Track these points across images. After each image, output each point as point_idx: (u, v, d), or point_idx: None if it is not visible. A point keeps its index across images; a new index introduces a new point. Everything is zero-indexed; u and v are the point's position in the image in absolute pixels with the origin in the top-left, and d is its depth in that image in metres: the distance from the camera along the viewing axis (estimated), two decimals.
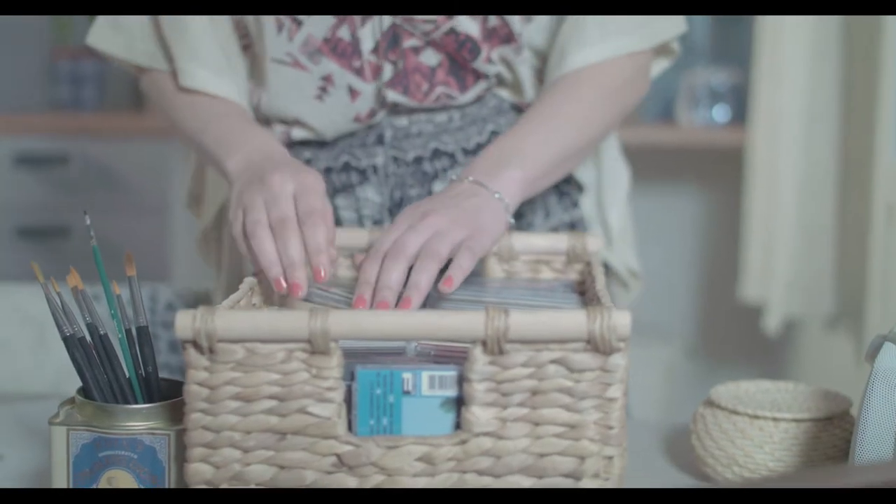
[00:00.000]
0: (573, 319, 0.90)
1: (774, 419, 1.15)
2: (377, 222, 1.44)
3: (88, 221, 1.07)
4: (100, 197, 3.17)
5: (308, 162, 1.46)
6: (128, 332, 1.05)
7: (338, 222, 1.44)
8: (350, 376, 0.94)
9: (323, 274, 1.13)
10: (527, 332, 0.90)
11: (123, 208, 3.16)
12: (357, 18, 1.35)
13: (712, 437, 1.17)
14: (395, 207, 1.43)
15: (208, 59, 1.38)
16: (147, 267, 1.96)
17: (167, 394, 1.05)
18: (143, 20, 1.41)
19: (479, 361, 0.91)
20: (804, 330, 2.94)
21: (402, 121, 1.41)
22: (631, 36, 1.37)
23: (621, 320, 0.90)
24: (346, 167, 1.44)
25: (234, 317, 0.92)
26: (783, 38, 2.65)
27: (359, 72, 1.37)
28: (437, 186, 1.43)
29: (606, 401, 0.92)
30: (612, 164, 1.53)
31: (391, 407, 0.94)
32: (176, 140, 3.12)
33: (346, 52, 1.37)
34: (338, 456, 0.93)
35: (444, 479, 0.93)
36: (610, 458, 0.93)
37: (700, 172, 3.21)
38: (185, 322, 0.92)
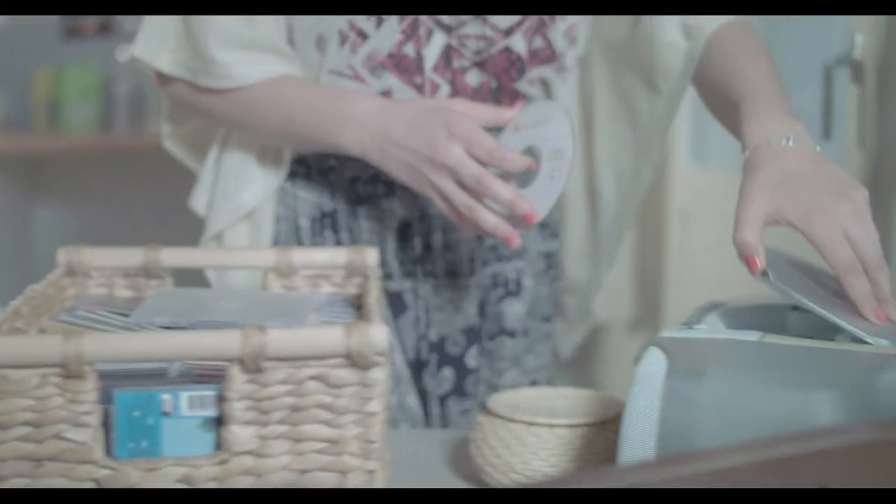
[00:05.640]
0: (330, 335, 0.90)
1: (550, 425, 1.17)
2: (401, 236, 1.47)
3: None
4: None
5: (332, 169, 1.47)
6: None
7: (359, 232, 1.48)
8: (109, 399, 0.93)
9: (535, 214, 1.27)
10: (284, 349, 0.90)
11: None
12: (423, 36, 1.37)
13: (490, 445, 1.18)
14: (416, 222, 1.46)
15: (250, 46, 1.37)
16: None
17: None
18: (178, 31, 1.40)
19: (237, 380, 0.91)
20: (609, 335, 2.99)
21: None
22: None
23: (378, 335, 0.90)
24: (374, 179, 1.45)
25: None
26: None
27: (419, 88, 1.38)
28: None
29: (367, 415, 0.92)
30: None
31: (150, 429, 0.93)
32: None
33: (409, 69, 1.38)
34: (96, 481, 0.91)
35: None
36: (372, 472, 0.93)
37: None
38: None
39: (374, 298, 1.11)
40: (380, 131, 1.31)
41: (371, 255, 1.26)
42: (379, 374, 0.92)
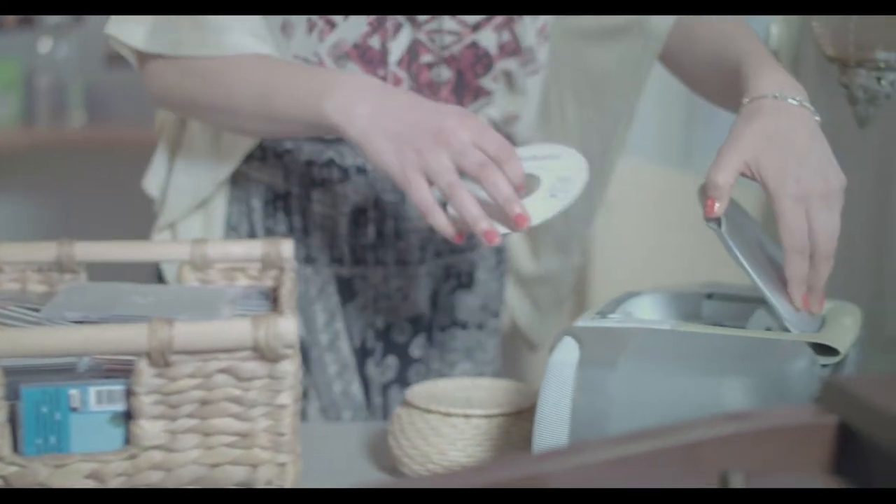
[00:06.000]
0: (238, 328, 0.90)
1: (466, 416, 1.17)
2: (354, 221, 1.45)
3: None
4: None
5: (288, 152, 1.44)
6: None
7: (312, 216, 1.45)
8: (15, 395, 0.92)
9: (526, 219, 1.16)
10: (192, 343, 0.89)
11: None
12: (390, 29, 1.35)
13: (407, 437, 1.18)
14: (370, 208, 1.45)
15: (241, 27, 1.31)
16: None
17: None
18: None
19: (145, 374, 0.90)
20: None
21: None
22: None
23: (287, 327, 0.90)
24: (329, 163, 1.43)
25: None
26: None
27: (382, 81, 1.35)
28: None
29: (277, 408, 0.92)
30: None
31: (58, 424, 0.92)
32: None
33: (373, 60, 1.36)
34: (3, 478, 0.90)
35: None
36: (283, 464, 0.93)
37: None
38: None
39: (288, 291, 1.10)
40: (377, 100, 1.23)
41: (286, 248, 1.25)
42: (288, 367, 0.91)
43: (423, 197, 1.19)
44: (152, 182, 1.50)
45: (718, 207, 1.09)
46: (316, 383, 1.47)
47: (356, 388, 1.49)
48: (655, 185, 2.48)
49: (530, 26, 1.41)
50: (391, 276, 1.48)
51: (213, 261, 1.25)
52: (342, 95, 1.23)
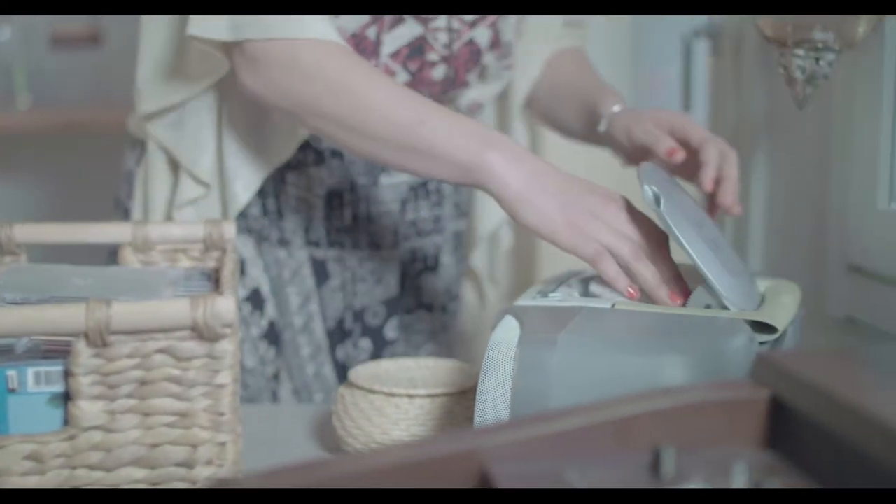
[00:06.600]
0: (176, 308, 0.90)
1: (409, 396, 1.18)
2: (328, 204, 1.46)
3: None
4: None
5: None
6: None
7: (286, 199, 1.46)
8: None
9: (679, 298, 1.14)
10: (129, 323, 0.89)
11: None
12: (386, 21, 1.34)
13: (351, 417, 1.19)
14: (346, 192, 1.46)
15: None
16: None
17: None
18: None
19: (83, 354, 0.90)
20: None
21: None
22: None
23: (225, 307, 0.90)
24: (305, 146, 1.43)
25: None
26: None
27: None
28: (384, 179, 1.47)
29: (216, 387, 0.92)
30: None
31: None
32: None
33: (366, 51, 1.35)
34: None
35: (54, 477, 0.91)
36: (223, 444, 0.93)
37: None
38: None
39: (230, 272, 1.10)
40: (535, 163, 1.18)
41: (228, 229, 1.25)
42: (227, 346, 0.91)
43: (597, 251, 1.15)
44: (204, 167, 1.43)
45: (680, 155, 1.31)
46: (289, 365, 1.48)
47: (328, 370, 1.50)
48: (600, 165, 2.49)
49: (510, 21, 1.43)
50: (365, 259, 1.49)
51: (155, 242, 1.24)
52: (506, 150, 1.18)
